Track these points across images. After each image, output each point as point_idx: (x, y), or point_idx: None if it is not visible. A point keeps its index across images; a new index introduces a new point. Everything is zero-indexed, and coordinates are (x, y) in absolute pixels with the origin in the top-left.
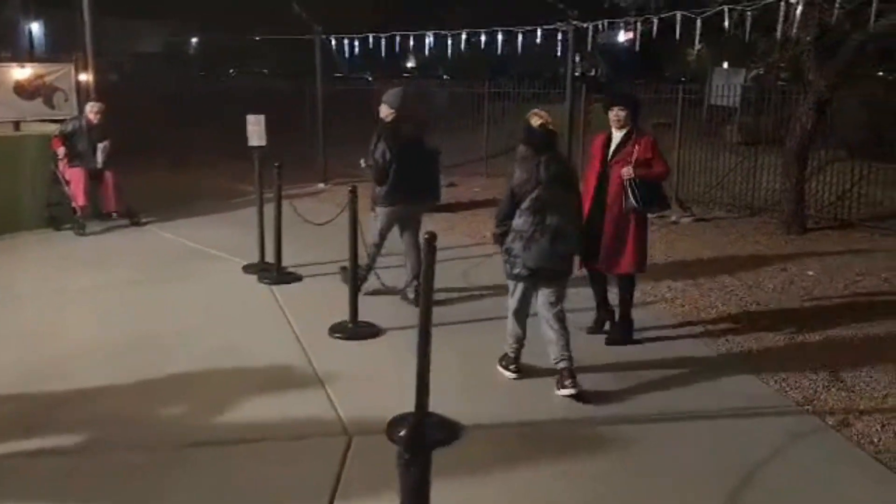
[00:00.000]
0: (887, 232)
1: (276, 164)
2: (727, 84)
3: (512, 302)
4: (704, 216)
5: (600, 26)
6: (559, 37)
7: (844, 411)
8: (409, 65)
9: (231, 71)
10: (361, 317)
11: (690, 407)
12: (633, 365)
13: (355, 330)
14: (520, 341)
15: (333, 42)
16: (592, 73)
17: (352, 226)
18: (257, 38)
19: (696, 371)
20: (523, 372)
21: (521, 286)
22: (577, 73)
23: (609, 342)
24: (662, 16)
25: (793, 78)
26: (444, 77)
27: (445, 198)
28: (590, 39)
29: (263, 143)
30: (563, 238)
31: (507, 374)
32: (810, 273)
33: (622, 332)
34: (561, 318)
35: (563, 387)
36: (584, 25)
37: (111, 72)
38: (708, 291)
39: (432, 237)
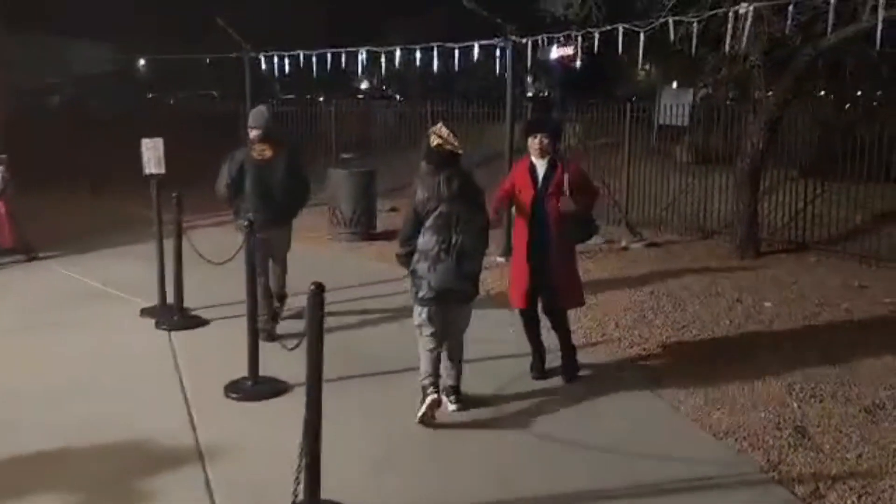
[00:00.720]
0: (841, 255)
1: (174, 195)
2: (676, 103)
3: (419, 326)
4: (655, 240)
5: (540, 42)
6: (497, 53)
7: (814, 478)
8: (363, 86)
9: (181, 94)
10: (270, 369)
11: (645, 476)
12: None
13: (255, 389)
14: (434, 367)
15: (263, 61)
16: (545, 94)
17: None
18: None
19: (640, 423)
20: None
21: (426, 310)
22: (529, 94)
23: (569, 379)
24: (604, 29)
25: (741, 96)
26: (397, 98)
27: (384, 224)
28: (529, 55)
29: (162, 170)
30: (469, 257)
31: (423, 408)
32: (767, 304)
33: (574, 363)
34: (460, 340)
35: (451, 401)
36: (523, 41)
37: (52, 94)
38: (658, 329)
39: (319, 288)
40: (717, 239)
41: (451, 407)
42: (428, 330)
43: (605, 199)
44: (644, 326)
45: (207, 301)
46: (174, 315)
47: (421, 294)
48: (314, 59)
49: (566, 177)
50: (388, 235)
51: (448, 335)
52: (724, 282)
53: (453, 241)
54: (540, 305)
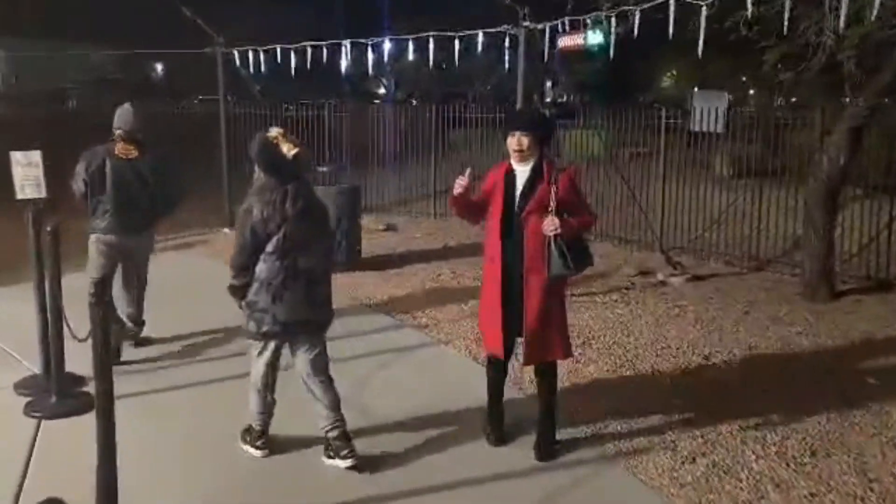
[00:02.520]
0: None
1: (48, 229)
2: (710, 108)
3: (258, 365)
4: (699, 272)
5: (560, 27)
6: (506, 43)
7: None
8: (380, 91)
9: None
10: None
11: None
12: None
13: None
14: (269, 410)
15: (237, 57)
16: (565, 98)
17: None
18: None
19: None
20: (273, 447)
21: (271, 345)
22: (547, 99)
23: (542, 456)
24: (648, 5)
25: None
26: (413, 102)
27: (374, 248)
28: (546, 45)
29: (42, 194)
30: (319, 283)
31: (254, 451)
32: (872, 381)
33: (552, 439)
34: (327, 376)
35: (341, 457)
36: (539, 27)
37: (67, 99)
38: (729, 437)
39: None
40: (773, 271)
41: (344, 463)
42: (268, 368)
43: (630, 217)
44: (711, 428)
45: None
46: (52, 394)
47: (264, 329)
48: (293, 54)
49: (553, 190)
50: (378, 263)
51: (311, 375)
52: (799, 339)
53: (300, 265)
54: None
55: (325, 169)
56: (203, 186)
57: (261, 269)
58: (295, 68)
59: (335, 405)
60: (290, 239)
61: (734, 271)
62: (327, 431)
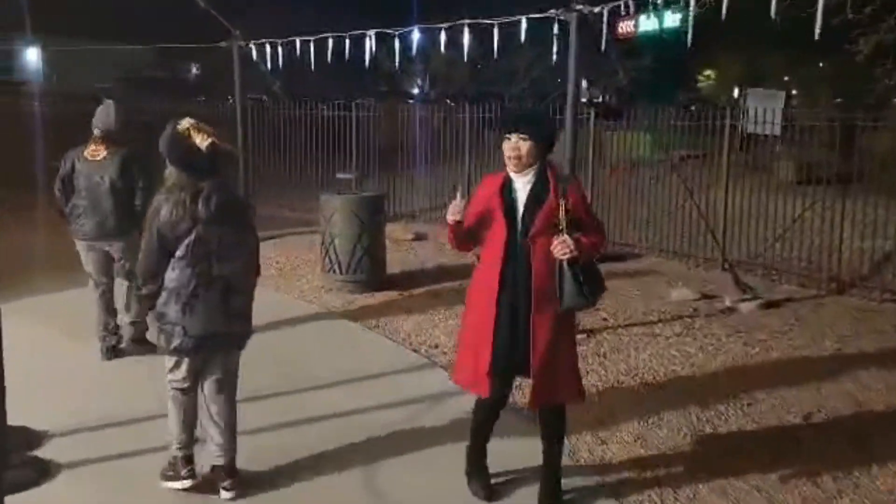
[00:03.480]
0: None
1: None
2: (765, 108)
3: (173, 383)
4: (771, 296)
5: (623, 7)
6: (555, 30)
7: None
8: (415, 90)
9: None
10: None
11: None
12: None
13: None
14: (190, 431)
15: (254, 51)
16: (600, 99)
17: None
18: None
19: None
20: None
21: (185, 362)
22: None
23: None
24: None
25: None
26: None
27: (401, 262)
28: (605, 33)
29: None
30: (238, 291)
31: (178, 484)
32: None
33: (558, 490)
34: (232, 399)
35: (224, 488)
36: (596, 10)
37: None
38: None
39: None
40: (858, 295)
41: (226, 494)
42: (183, 386)
43: (686, 227)
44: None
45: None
46: None
47: (174, 344)
48: (312, 46)
49: (563, 205)
50: (405, 282)
51: (214, 393)
52: None
53: (215, 272)
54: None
55: (347, 176)
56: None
57: (170, 276)
58: (324, 65)
59: (232, 431)
60: (202, 243)
61: (810, 294)
62: (216, 456)
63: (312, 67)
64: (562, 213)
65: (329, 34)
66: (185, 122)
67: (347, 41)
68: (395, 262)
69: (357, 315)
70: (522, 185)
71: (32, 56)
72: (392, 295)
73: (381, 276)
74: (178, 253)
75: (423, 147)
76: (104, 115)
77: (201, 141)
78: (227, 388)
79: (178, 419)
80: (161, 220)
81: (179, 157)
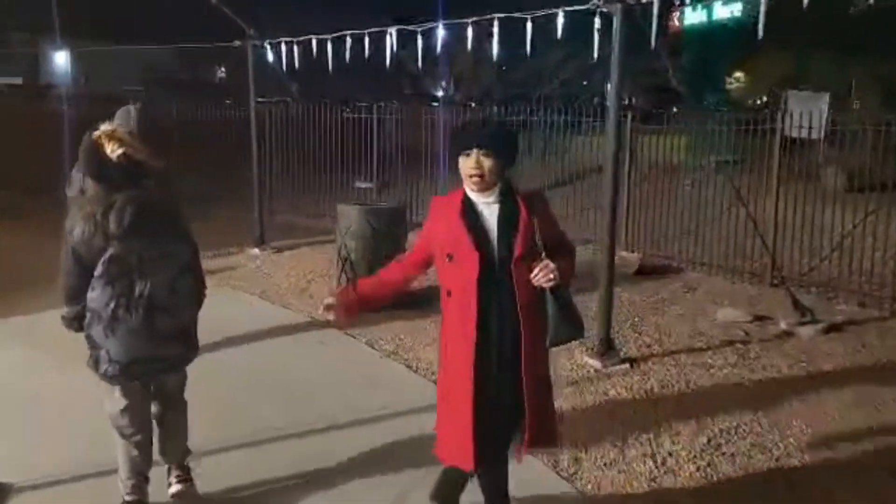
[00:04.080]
0: None
1: None
2: (809, 111)
3: (111, 412)
4: (832, 318)
5: None
6: (597, 24)
7: None
8: (438, 93)
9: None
10: None
11: None
12: None
13: None
14: (139, 468)
15: (269, 50)
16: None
17: None
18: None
19: None
20: None
21: (118, 390)
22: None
23: None
24: None
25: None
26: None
27: (427, 278)
28: (655, 25)
29: None
30: (166, 311)
31: (173, 487)
32: None
33: None
34: (180, 429)
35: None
36: (643, 0)
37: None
38: None
39: None
40: None
41: (174, 488)
42: (124, 418)
43: (731, 239)
44: None
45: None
46: None
47: (102, 369)
48: (329, 45)
49: (536, 223)
50: (427, 300)
51: (160, 419)
52: None
53: (137, 291)
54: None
55: (366, 185)
56: (247, 197)
57: (90, 296)
58: (344, 66)
59: (180, 440)
60: (118, 260)
61: (874, 316)
62: (168, 456)
63: (330, 68)
64: (537, 235)
65: (347, 32)
66: (99, 130)
67: (367, 40)
68: (418, 279)
69: (374, 339)
70: (487, 207)
71: (61, 59)
72: (412, 315)
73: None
74: (97, 272)
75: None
76: (125, 118)
77: (112, 150)
78: (172, 412)
79: (125, 452)
80: (75, 238)
81: (90, 168)
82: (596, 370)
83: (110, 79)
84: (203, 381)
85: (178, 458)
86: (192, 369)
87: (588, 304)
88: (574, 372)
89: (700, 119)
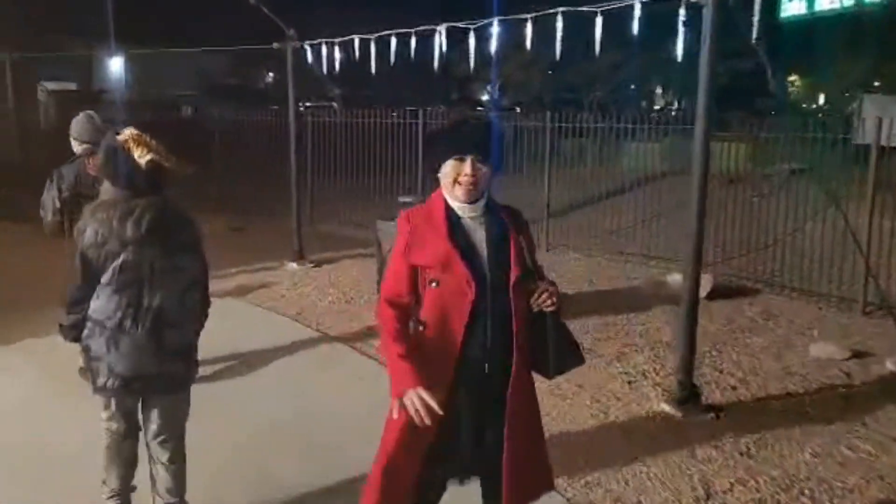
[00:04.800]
0: None
1: None
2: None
3: (105, 425)
4: None
5: None
6: (682, 15)
7: None
8: (484, 97)
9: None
10: None
11: None
12: None
13: None
14: (124, 482)
15: (309, 52)
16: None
17: None
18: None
19: None
20: None
21: (114, 403)
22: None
23: None
24: None
25: None
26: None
27: None
28: (756, 17)
29: None
30: (174, 325)
31: None
32: None
33: None
34: (179, 448)
35: None
36: None
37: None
38: None
39: None
40: None
41: None
42: (117, 433)
43: (809, 258)
44: None
45: None
46: None
47: (99, 383)
48: (373, 47)
49: (522, 241)
50: None
51: (156, 440)
52: None
53: (146, 303)
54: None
55: (409, 199)
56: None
57: (94, 305)
58: (390, 69)
59: (177, 472)
60: (131, 268)
61: None
62: (162, 496)
63: (373, 70)
64: (525, 253)
65: (391, 31)
66: (126, 134)
67: (414, 40)
68: None
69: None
70: (473, 221)
71: (115, 65)
72: None
73: None
74: (104, 279)
75: (498, 158)
76: (89, 127)
77: (140, 155)
78: (171, 436)
79: (110, 466)
80: (86, 242)
81: (114, 171)
82: (676, 420)
83: (164, 85)
84: (217, 422)
85: (176, 492)
86: (204, 409)
87: (648, 331)
88: (649, 422)
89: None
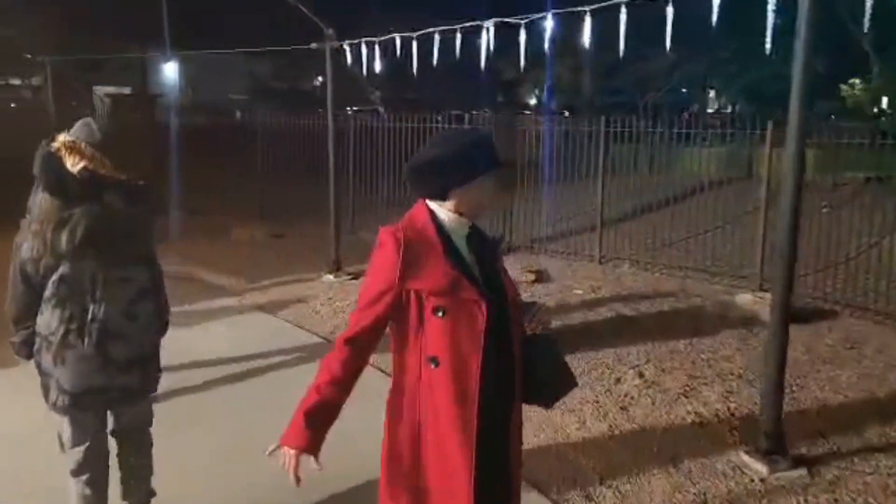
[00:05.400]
0: None
1: None
2: None
3: (66, 445)
4: None
5: None
6: (770, 4)
7: None
8: (531, 101)
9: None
10: None
11: None
12: None
13: None
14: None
15: (348, 52)
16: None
17: None
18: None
19: None
20: None
21: (67, 421)
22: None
23: None
24: None
25: None
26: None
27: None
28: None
29: None
30: (122, 337)
31: None
32: None
33: None
34: (145, 466)
35: None
36: None
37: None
38: None
39: None
40: None
41: None
42: (75, 452)
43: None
44: None
45: None
46: None
47: (51, 399)
48: (415, 46)
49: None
50: None
51: (120, 453)
52: None
53: (90, 315)
54: None
55: None
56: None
57: (40, 321)
58: (433, 72)
59: (144, 482)
60: (69, 281)
61: None
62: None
63: (415, 71)
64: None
65: (435, 29)
66: (59, 140)
67: (459, 39)
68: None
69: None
70: (460, 238)
71: (170, 70)
72: None
73: None
74: (46, 293)
75: (548, 165)
76: (88, 132)
77: (73, 164)
78: (133, 451)
79: (75, 498)
80: (23, 256)
81: (47, 180)
82: (762, 478)
83: (217, 89)
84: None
85: (141, 500)
86: (208, 445)
87: (717, 360)
88: (731, 480)
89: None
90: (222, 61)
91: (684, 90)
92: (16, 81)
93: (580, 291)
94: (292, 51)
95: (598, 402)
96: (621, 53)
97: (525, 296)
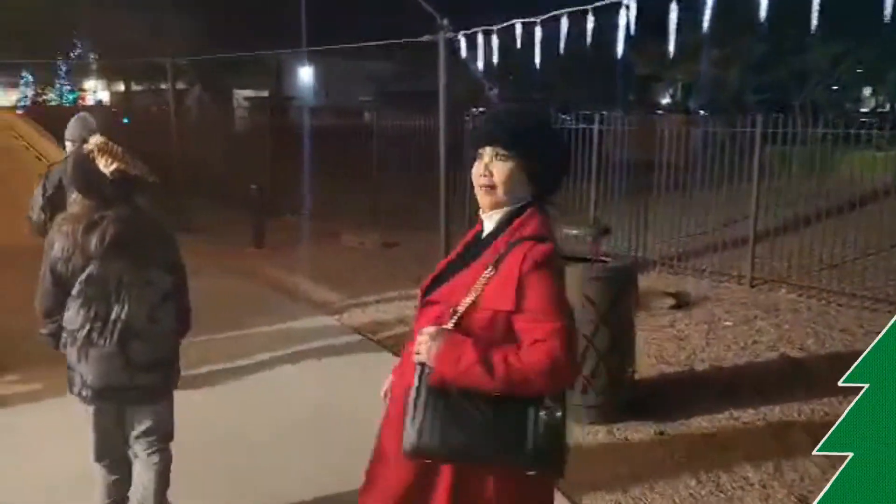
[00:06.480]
0: None
1: None
2: None
3: (90, 435)
4: None
5: None
6: None
7: None
8: (664, 100)
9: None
10: None
11: None
12: None
13: None
14: (117, 489)
15: (463, 43)
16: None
17: None
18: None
19: None
20: None
21: (92, 411)
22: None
23: None
24: None
25: None
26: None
27: (658, 356)
28: None
29: None
30: (143, 338)
31: None
32: None
33: None
34: (161, 475)
35: None
36: None
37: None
38: None
39: None
40: None
41: None
42: (99, 440)
43: None
44: None
45: None
46: None
47: (75, 390)
48: (538, 33)
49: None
50: (665, 402)
51: (140, 438)
52: None
53: (113, 315)
54: None
55: (578, 232)
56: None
57: (67, 316)
58: (559, 67)
59: (158, 494)
60: (96, 282)
61: None
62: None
63: (537, 64)
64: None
65: (563, 11)
66: (92, 143)
67: (590, 23)
68: (648, 352)
69: (582, 476)
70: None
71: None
72: (643, 433)
73: (625, 394)
74: (73, 291)
75: (684, 170)
76: (84, 127)
77: (105, 165)
78: (150, 454)
79: (101, 475)
80: (53, 256)
81: (79, 182)
82: None
83: (347, 92)
84: None
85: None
86: None
87: None
88: None
89: None
90: (350, 65)
91: (835, 87)
92: (163, 86)
93: (729, 323)
94: (413, 53)
95: (764, 486)
96: (810, 27)
97: (662, 329)
